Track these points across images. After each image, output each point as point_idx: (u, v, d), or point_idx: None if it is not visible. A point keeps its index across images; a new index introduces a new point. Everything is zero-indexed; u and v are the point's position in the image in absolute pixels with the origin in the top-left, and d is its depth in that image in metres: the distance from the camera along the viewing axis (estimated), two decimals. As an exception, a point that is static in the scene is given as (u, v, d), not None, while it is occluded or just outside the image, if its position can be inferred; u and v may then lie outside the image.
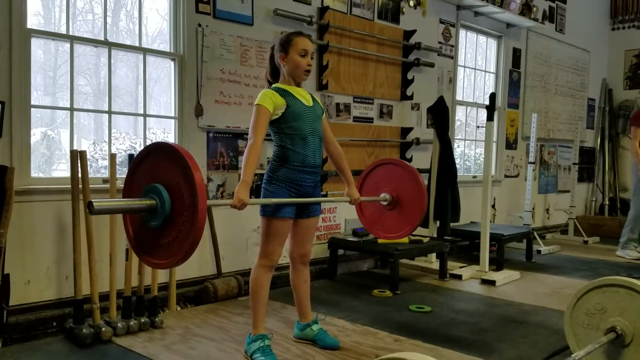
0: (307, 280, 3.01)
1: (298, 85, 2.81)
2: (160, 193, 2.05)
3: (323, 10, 4.52)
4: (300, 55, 2.73)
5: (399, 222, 3.15)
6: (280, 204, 2.70)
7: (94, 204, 1.97)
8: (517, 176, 6.92)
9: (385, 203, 3.13)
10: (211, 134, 3.88)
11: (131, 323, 3.12)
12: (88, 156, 3.19)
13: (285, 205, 2.72)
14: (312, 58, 2.79)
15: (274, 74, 2.87)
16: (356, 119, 4.86)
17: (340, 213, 4.76)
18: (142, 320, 3.17)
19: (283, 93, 2.72)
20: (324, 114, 2.93)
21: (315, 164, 2.79)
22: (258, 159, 2.61)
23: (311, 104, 2.81)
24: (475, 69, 6.44)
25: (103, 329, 3.00)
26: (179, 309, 3.59)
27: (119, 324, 3.07)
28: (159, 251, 2.13)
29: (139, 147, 3.74)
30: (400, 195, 3.12)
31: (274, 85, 2.79)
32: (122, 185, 3.23)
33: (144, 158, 2.18)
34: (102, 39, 3.48)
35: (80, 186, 3.08)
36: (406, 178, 3.13)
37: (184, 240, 2.03)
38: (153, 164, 2.14)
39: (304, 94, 2.81)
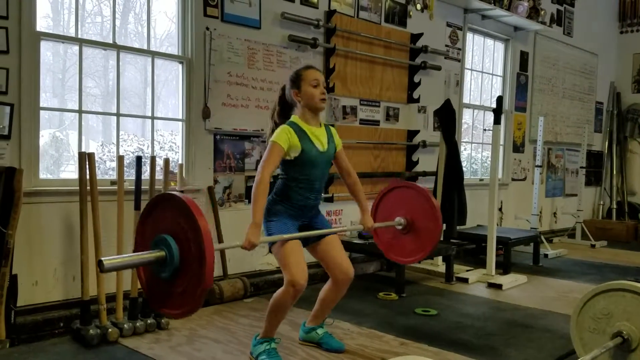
0: (340, 298, 2.94)
1: (316, 114, 2.77)
2: (169, 244, 2.06)
3: (330, 13, 4.53)
4: (313, 86, 2.72)
5: (415, 246, 3.10)
6: (285, 231, 2.66)
7: (104, 262, 1.97)
8: (524, 179, 6.90)
9: (400, 227, 3.10)
10: (218, 137, 3.89)
11: (137, 324, 3.14)
12: (96, 158, 3.21)
13: (290, 230, 2.67)
14: (325, 88, 2.77)
15: (282, 115, 2.82)
16: (362, 121, 4.86)
17: (346, 216, 4.76)
18: (149, 321, 3.18)
19: (300, 134, 2.68)
20: (341, 147, 2.90)
21: (316, 203, 2.83)
22: (265, 196, 2.58)
23: (325, 147, 2.77)
24: (482, 72, 6.43)
25: (110, 330, 3.02)
26: (185, 310, 3.60)
27: (125, 325, 3.09)
28: (172, 301, 2.14)
29: (147, 149, 3.77)
30: (415, 219, 3.08)
31: (292, 120, 2.74)
32: (130, 187, 3.28)
33: (153, 209, 2.19)
34: (111, 41, 3.51)
35: (88, 188, 3.10)
36: (420, 201, 3.09)
37: (195, 289, 2.04)
38: (161, 215, 2.15)
39: (321, 137, 2.77)
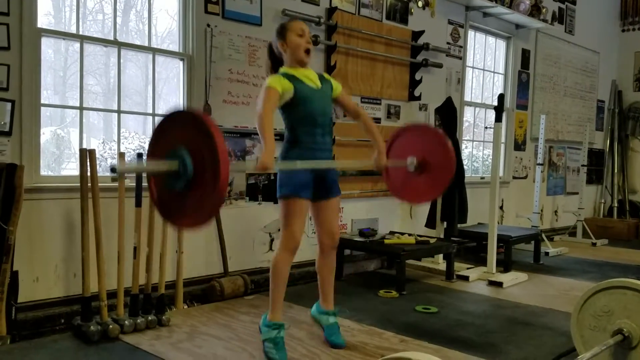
0: (333, 269, 3.03)
1: (302, 67, 2.82)
2: (183, 155, 2.04)
3: (331, 10, 4.52)
4: (298, 35, 2.78)
5: (427, 186, 3.05)
6: (298, 184, 2.72)
7: (117, 167, 1.98)
8: (525, 177, 6.89)
9: (412, 168, 3.03)
10: (219, 134, 3.88)
11: (138, 321, 3.14)
12: (97, 155, 3.21)
13: (303, 185, 2.74)
14: (311, 39, 2.83)
15: (275, 69, 2.87)
16: (364, 119, 4.85)
17: (346, 213, 4.76)
18: (150, 318, 3.19)
19: (290, 77, 2.74)
20: (341, 89, 2.95)
21: (325, 141, 2.84)
22: (272, 124, 2.58)
23: (319, 85, 2.83)
24: (483, 69, 6.42)
25: (110, 326, 3.02)
26: (185, 307, 3.61)
27: (126, 322, 3.09)
28: (183, 214, 2.13)
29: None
30: (427, 158, 3.01)
31: (280, 70, 2.80)
32: (131, 184, 3.28)
33: (166, 124, 2.17)
34: (112, 38, 3.51)
35: (89, 185, 3.10)
36: (432, 141, 3.02)
37: (207, 201, 2.03)
38: (175, 130, 2.14)
39: (311, 76, 2.83)
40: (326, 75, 2.96)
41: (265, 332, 2.78)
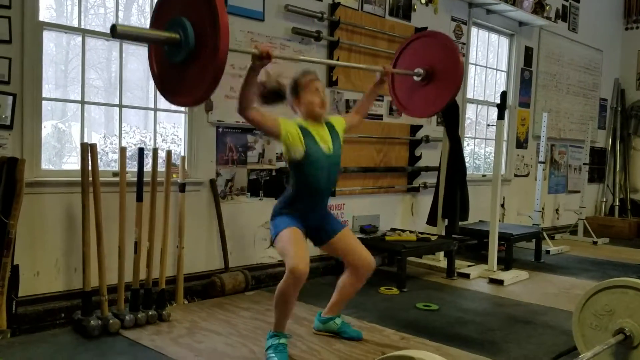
0: (358, 290, 3.01)
1: (316, 121, 2.78)
2: (185, 27, 2.02)
3: (334, 6, 4.51)
4: (312, 92, 2.74)
5: (436, 94, 2.93)
6: (291, 222, 2.70)
7: (117, 27, 1.95)
8: (527, 175, 6.88)
9: (418, 78, 2.91)
10: (221, 129, 3.88)
11: (139, 316, 3.14)
12: (98, 149, 3.21)
13: (293, 222, 2.72)
14: (324, 95, 2.78)
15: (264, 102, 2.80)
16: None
17: (348, 209, 4.75)
18: (150, 313, 3.19)
19: (304, 132, 2.69)
20: (344, 122, 2.94)
21: (324, 204, 2.86)
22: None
23: (331, 149, 2.77)
24: (486, 67, 6.41)
25: (111, 321, 3.02)
26: (186, 302, 3.61)
27: (126, 317, 3.09)
28: (182, 89, 2.11)
29: (149, 141, 3.76)
30: (434, 66, 2.88)
31: (296, 120, 2.76)
32: (132, 179, 3.28)
33: None
34: (114, 32, 3.49)
35: (91, 179, 3.10)
36: (440, 47, 2.89)
37: (207, 75, 2.01)
38: (178, 1, 2.12)
39: (325, 135, 2.77)
40: (332, 120, 2.88)
41: (268, 342, 2.76)
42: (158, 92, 3.61)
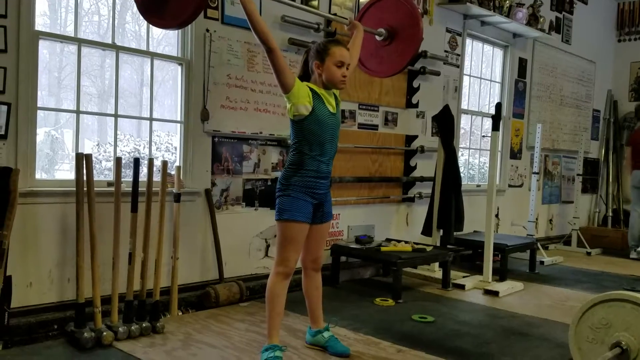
0: (319, 287, 3.01)
1: (331, 89, 2.82)
2: None
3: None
4: (337, 66, 2.73)
5: (396, 55, 3.02)
6: (299, 210, 2.70)
7: None
8: (521, 186, 6.90)
9: (380, 38, 2.99)
10: (216, 139, 3.87)
11: (132, 328, 3.11)
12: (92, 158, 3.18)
13: (302, 209, 2.72)
14: (347, 69, 2.78)
15: (304, 78, 2.84)
16: (361, 125, 4.85)
17: (343, 220, 4.75)
18: (144, 325, 3.15)
19: (314, 94, 2.73)
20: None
21: (328, 170, 2.83)
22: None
23: (335, 110, 2.83)
24: (481, 78, 6.43)
25: (104, 333, 2.99)
26: (180, 314, 3.58)
27: (120, 329, 3.06)
28: (165, 12, 2.08)
29: (143, 149, 3.74)
30: (396, 27, 2.97)
31: (307, 83, 2.78)
32: (127, 189, 3.25)
33: None
34: (109, 41, 3.48)
35: (85, 189, 3.07)
36: (402, 9, 2.98)
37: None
38: None
39: (331, 99, 2.82)
40: (336, 93, 2.91)
41: (263, 356, 2.74)
42: (152, 105, 3.62)
